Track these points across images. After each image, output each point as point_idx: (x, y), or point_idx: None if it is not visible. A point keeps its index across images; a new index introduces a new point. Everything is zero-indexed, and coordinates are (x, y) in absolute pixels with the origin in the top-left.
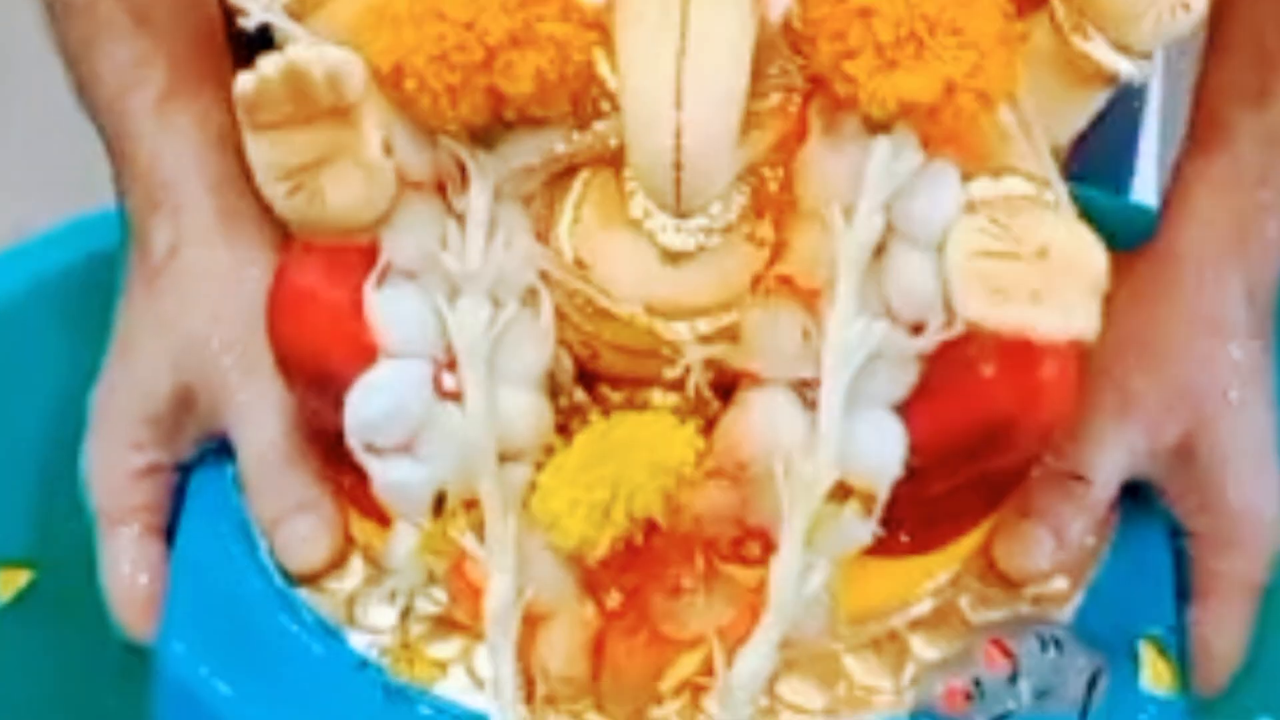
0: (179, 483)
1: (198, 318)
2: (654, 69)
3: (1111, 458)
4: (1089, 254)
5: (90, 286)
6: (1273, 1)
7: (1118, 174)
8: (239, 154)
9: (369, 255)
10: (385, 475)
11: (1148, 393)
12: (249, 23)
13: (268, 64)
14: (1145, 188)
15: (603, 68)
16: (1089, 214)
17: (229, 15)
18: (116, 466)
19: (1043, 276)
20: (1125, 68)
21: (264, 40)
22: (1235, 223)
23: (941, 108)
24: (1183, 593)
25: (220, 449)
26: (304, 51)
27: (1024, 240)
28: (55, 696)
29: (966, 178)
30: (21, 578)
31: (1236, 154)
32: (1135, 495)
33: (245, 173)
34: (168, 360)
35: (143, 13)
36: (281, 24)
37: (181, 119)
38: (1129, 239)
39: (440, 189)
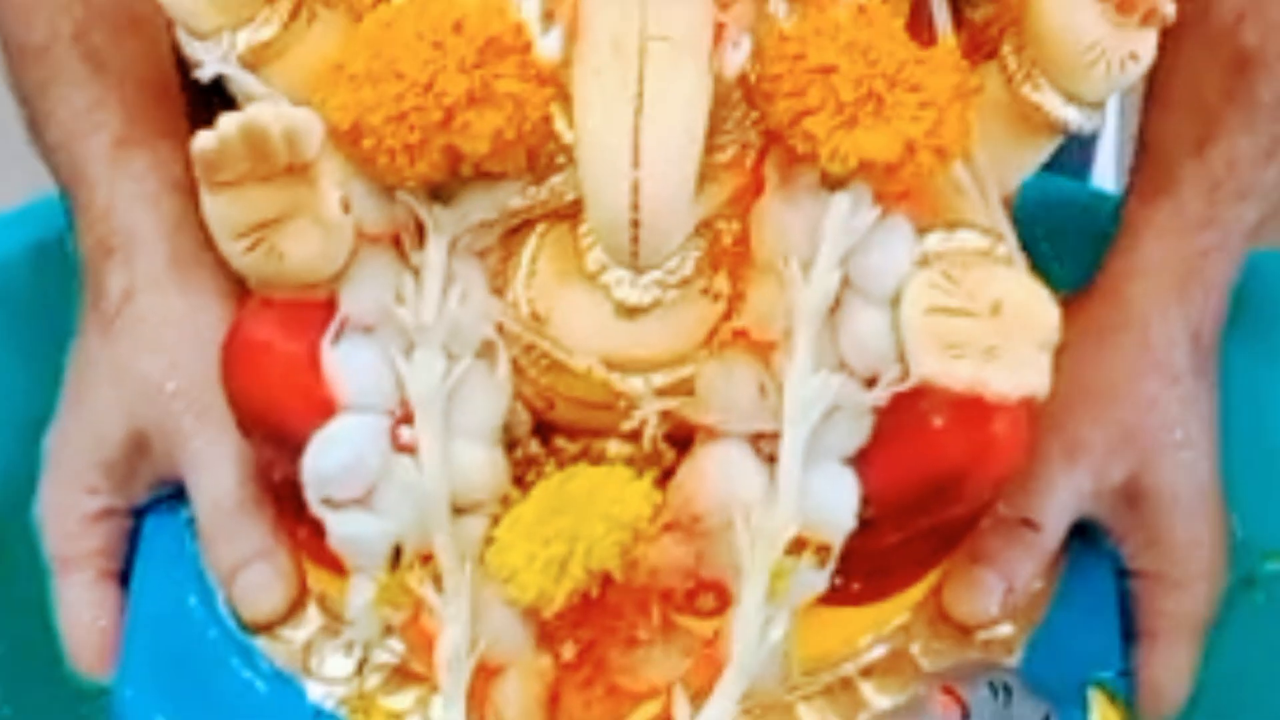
0: (133, 526)
1: (153, 364)
2: (611, 127)
3: (1059, 502)
4: (1041, 310)
5: (44, 269)
6: (1209, 52)
7: (1077, 161)
8: (194, 199)
9: (326, 309)
10: (342, 528)
11: (1094, 436)
12: (204, 73)
13: (226, 122)
14: (1104, 174)
15: (559, 123)
16: (1050, 201)
17: (185, 63)
18: (70, 511)
19: (996, 333)
20: (1075, 118)
21: (220, 88)
22: (1179, 267)
23: (901, 165)
24: (1128, 633)
25: (174, 492)
26: (263, 110)
27: (977, 296)
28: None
29: (920, 231)
30: None
31: (1179, 201)
32: (1080, 534)
33: (200, 219)
34: (122, 406)
35: (98, 58)
36: (236, 76)
37: (136, 164)
38: (1089, 224)
39: (397, 242)
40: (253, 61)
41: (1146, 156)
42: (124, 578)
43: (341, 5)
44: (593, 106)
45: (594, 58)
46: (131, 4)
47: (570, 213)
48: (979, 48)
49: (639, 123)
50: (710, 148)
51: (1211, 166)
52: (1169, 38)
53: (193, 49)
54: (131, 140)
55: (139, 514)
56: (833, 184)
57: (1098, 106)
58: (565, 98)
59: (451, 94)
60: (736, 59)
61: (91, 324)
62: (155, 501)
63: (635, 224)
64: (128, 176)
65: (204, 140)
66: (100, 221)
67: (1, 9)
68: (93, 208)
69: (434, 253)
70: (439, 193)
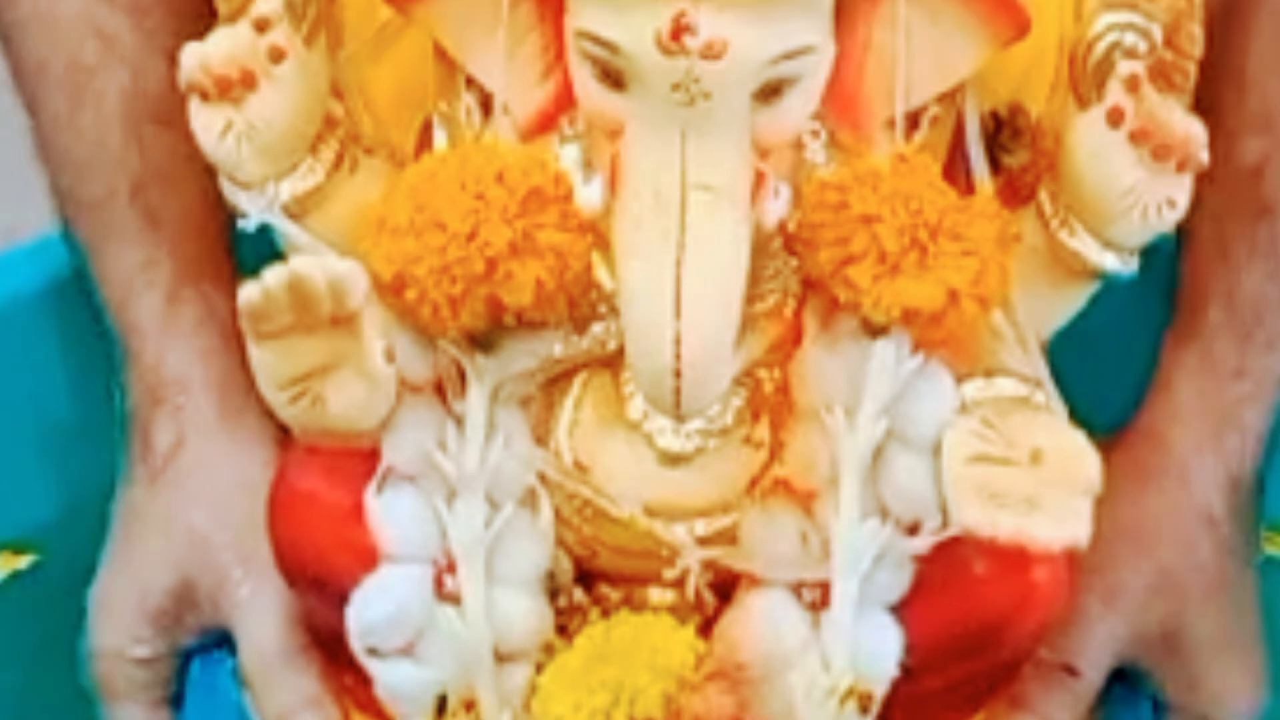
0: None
1: (201, 516)
2: (653, 278)
3: (1100, 647)
4: (1081, 459)
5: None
6: (1231, 201)
7: None
8: (241, 350)
9: (370, 458)
10: (387, 677)
11: (1133, 581)
12: (248, 223)
13: (271, 275)
14: None
15: (600, 272)
16: None
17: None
18: (119, 656)
19: (1037, 483)
20: (1111, 263)
21: None
22: (1214, 415)
23: (945, 314)
24: None
25: (220, 637)
26: (307, 262)
27: (1017, 444)
28: (42, 679)
29: (959, 378)
30: (22, 561)
31: (1211, 349)
32: (1120, 675)
33: (247, 369)
34: (169, 557)
35: (154, 215)
36: (280, 225)
37: (187, 318)
38: None
39: (440, 390)
40: (296, 210)
41: (1181, 301)
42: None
43: (383, 152)
44: (634, 257)
45: (635, 208)
46: (186, 153)
47: (612, 361)
48: (1016, 193)
49: (680, 274)
50: (750, 297)
51: (1241, 317)
52: (1194, 183)
53: (237, 198)
54: (183, 295)
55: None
56: (874, 331)
57: (1134, 251)
58: (606, 246)
59: (494, 245)
60: (776, 208)
61: (139, 475)
62: (200, 644)
63: (677, 374)
64: (179, 331)
65: (249, 292)
66: (151, 372)
67: (58, 161)
68: (144, 358)
69: (476, 402)
70: (481, 341)
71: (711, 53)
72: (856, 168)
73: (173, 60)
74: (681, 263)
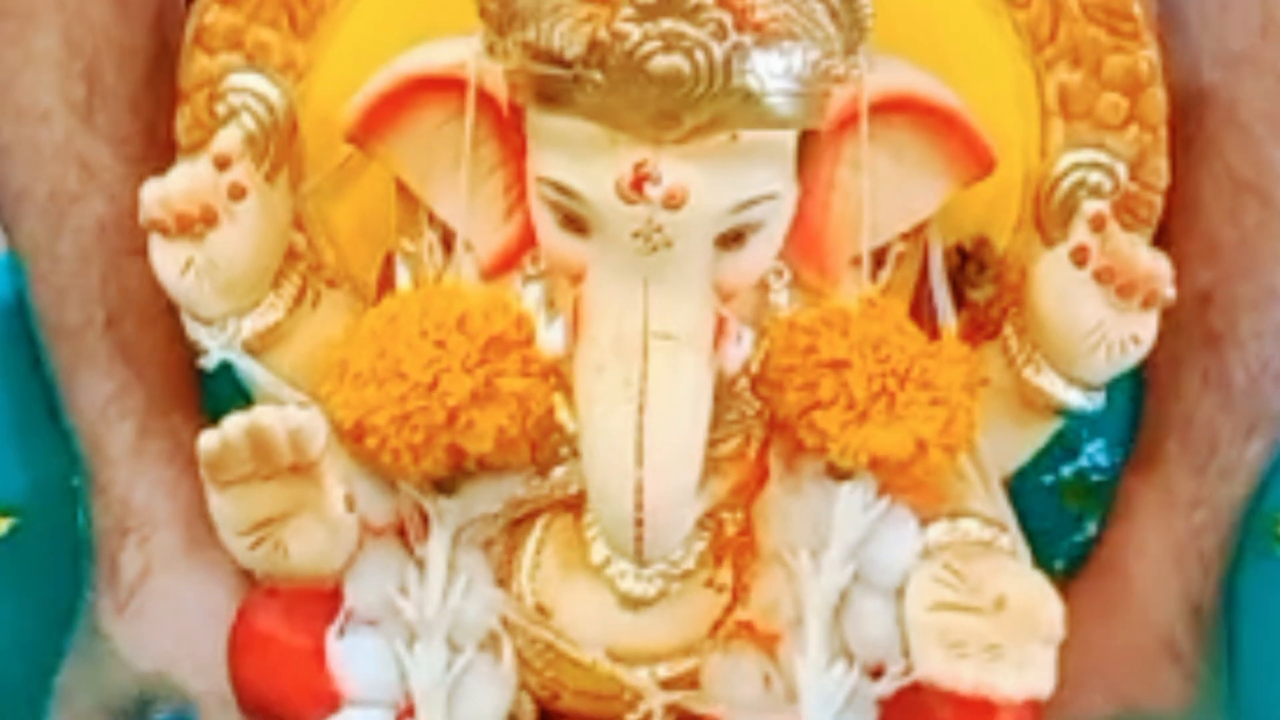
0: None
1: (165, 646)
2: (614, 427)
3: None
4: (1044, 606)
5: None
6: (1181, 334)
7: None
8: None
9: (332, 599)
10: None
11: (1099, 714)
12: (208, 361)
13: (231, 424)
14: None
15: (563, 413)
16: None
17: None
18: None
19: (1000, 631)
20: (1076, 400)
21: None
22: (1174, 546)
23: (912, 463)
24: None
25: None
26: (267, 412)
27: (981, 591)
28: (20, 640)
29: (923, 521)
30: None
31: (1169, 480)
32: None
33: None
34: (134, 679)
35: (128, 348)
36: (241, 364)
37: (156, 451)
38: None
39: (402, 532)
40: (258, 346)
41: (1141, 435)
42: None
43: (346, 284)
44: (595, 405)
45: (596, 354)
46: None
47: (574, 504)
48: (981, 327)
49: (642, 421)
50: (712, 440)
51: (1195, 448)
52: None
53: (198, 334)
54: (153, 428)
55: None
56: (839, 475)
57: (1098, 388)
58: (569, 388)
59: (455, 395)
60: (739, 354)
61: (106, 601)
62: None
63: (639, 523)
64: (148, 463)
65: (209, 441)
66: (119, 503)
67: (38, 286)
68: (112, 489)
69: (436, 545)
70: (443, 484)
71: (673, 201)
72: (825, 310)
73: None
74: (643, 410)
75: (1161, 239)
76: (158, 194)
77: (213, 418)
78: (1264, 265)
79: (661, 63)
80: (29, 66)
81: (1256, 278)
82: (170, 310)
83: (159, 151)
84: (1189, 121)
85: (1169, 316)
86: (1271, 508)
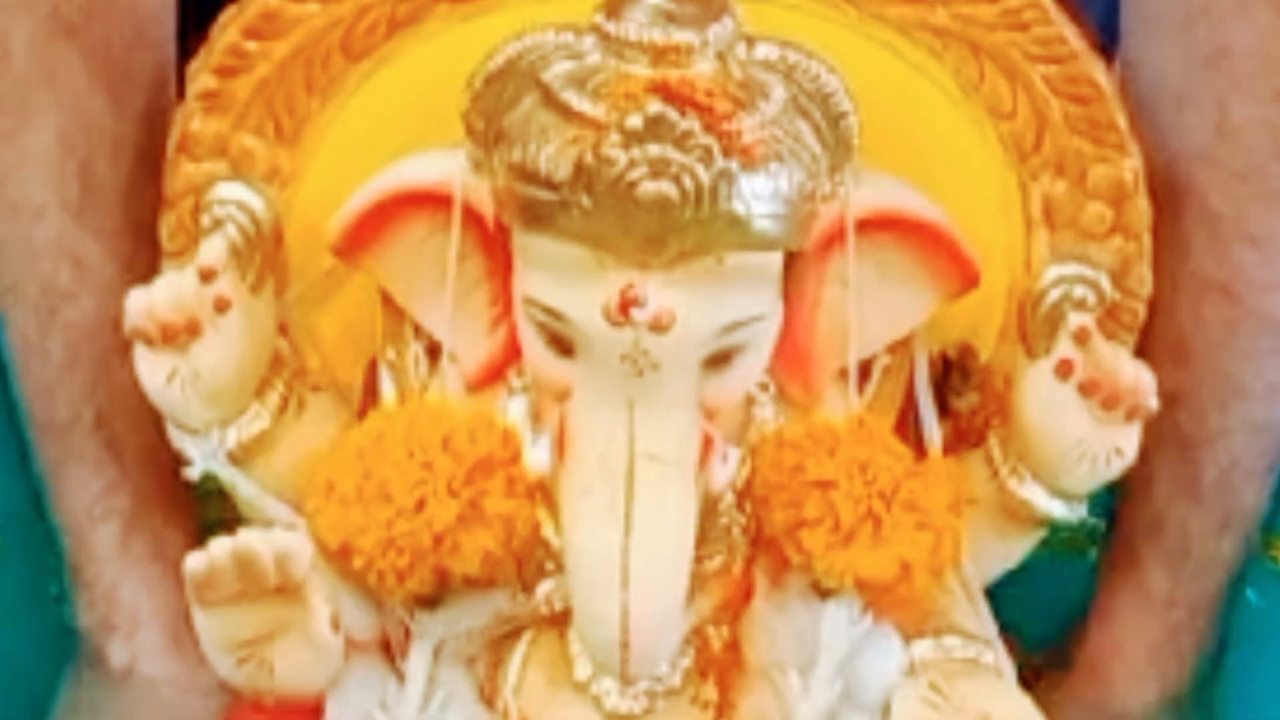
0: None
1: None
2: (599, 549)
3: None
4: None
5: None
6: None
7: None
8: None
9: (314, 714)
10: None
11: None
12: (193, 472)
13: (217, 547)
14: None
15: (548, 530)
16: None
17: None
18: None
19: None
20: (1060, 511)
21: None
22: (1151, 645)
23: (897, 584)
24: None
25: None
26: (253, 535)
27: (965, 709)
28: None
29: (908, 637)
30: None
31: (1144, 579)
32: None
33: None
34: None
35: (116, 445)
36: (225, 475)
37: (141, 550)
38: None
39: (386, 646)
40: (242, 456)
41: (1117, 535)
42: None
43: (331, 389)
44: (581, 527)
45: (582, 475)
46: None
47: (560, 620)
48: (965, 437)
49: (627, 544)
50: (698, 556)
51: (1169, 548)
52: None
53: (183, 444)
54: (139, 526)
55: None
56: (825, 592)
57: (1082, 499)
58: (554, 504)
59: (441, 519)
60: (724, 473)
61: (91, 693)
62: None
63: (625, 645)
64: (133, 562)
65: (195, 562)
66: (104, 600)
67: (27, 381)
68: (98, 586)
69: (417, 660)
70: (426, 599)
71: (660, 325)
72: (813, 427)
73: None
74: (629, 533)
75: None
76: (142, 304)
77: (199, 518)
78: (1231, 363)
79: (649, 189)
80: (23, 163)
81: (1224, 376)
82: (159, 410)
83: (151, 249)
84: (1156, 220)
85: None
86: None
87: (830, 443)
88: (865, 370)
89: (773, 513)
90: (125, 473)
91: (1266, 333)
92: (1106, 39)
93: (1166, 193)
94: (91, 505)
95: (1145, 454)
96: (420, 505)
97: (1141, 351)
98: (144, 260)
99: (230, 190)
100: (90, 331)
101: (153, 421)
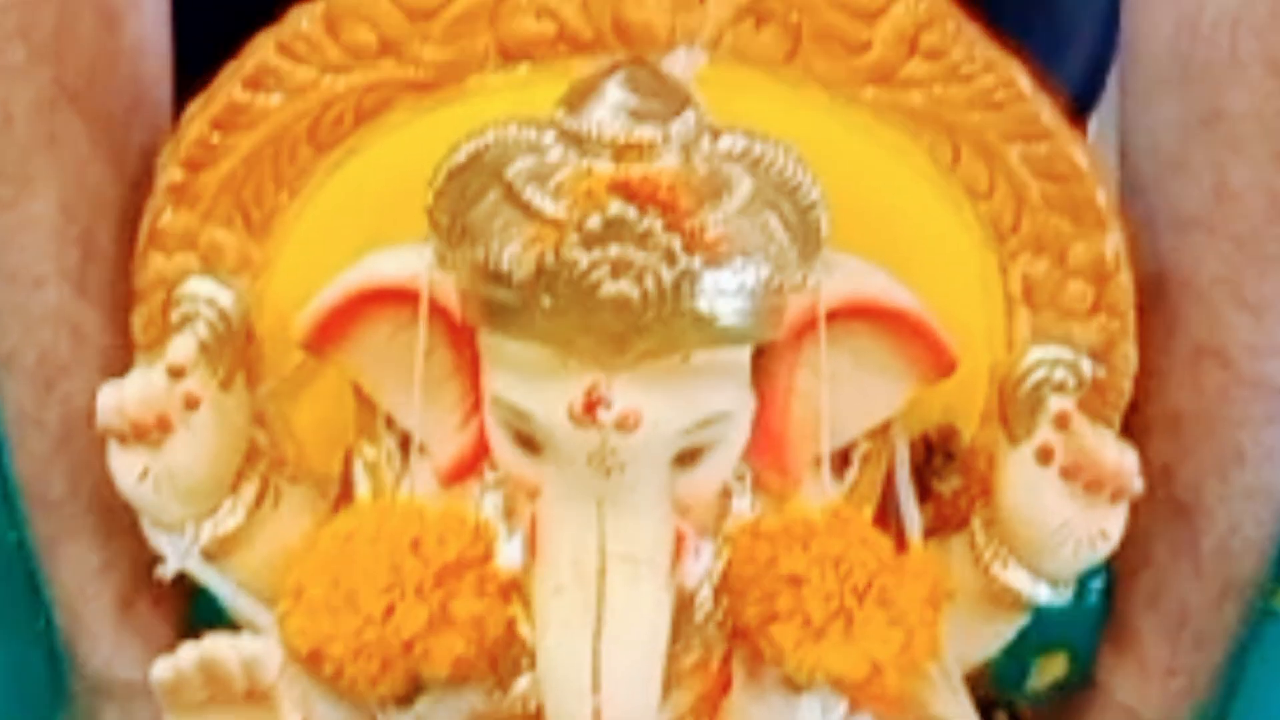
0: None
1: None
2: (571, 650)
3: None
4: None
5: None
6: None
7: None
8: None
9: None
10: None
11: None
12: (166, 570)
13: (185, 653)
14: None
15: (524, 628)
16: None
17: None
18: None
19: None
20: (1044, 594)
21: None
22: (1150, 715)
23: (868, 683)
24: None
25: None
26: (220, 642)
27: None
28: None
29: None
30: None
31: (1143, 652)
32: None
33: None
34: None
35: (111, 518)
36: (199, 573)
37: (137, 625)
38: None
39: None
40: (218, 552)
41: (1115, 611)
42: None
43: (308, 479)
44: (552, 629)
45: (554, 577)
46: None
47: (537, 717)
48: (947, 520)
49: (599, 646)
50: (673, 653)
51: (1168, 617)
52: None
53: (157, 541)
54: (135, 599)
55: None
56: (799, 686)
57: (1067, 583)
58: (528, 600)
59: (410, 625)
60: (698, 569)
61: None
62: None
63: None
64: (129, 637)
65: (161, 670)
66: (99, 675)
67: (21, 455)
68: (94, 659)
69: None
70: (401, 698)
71: (626, 425)
72: (788, 520)
73: None
74: (600, 635)
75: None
76: (113, 402)
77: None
78: (1227, 430)
79: (610, 289)
80: (24, 231)
81: (1220, 443)
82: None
83: None
84: (1146, 288)
85: None
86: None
87: (804, 535)
88: (844, 458)
89: (746, 606)
90: (121, 549)
91: (1263, 399)
92: (1085, 101)
93: (1162, 259)
94: (86, 581)
95: (1142, 522)
96: (389, 611)
97: (1137, 419)
98: None
99: (199, 286)
100: (88, 405)
101: None
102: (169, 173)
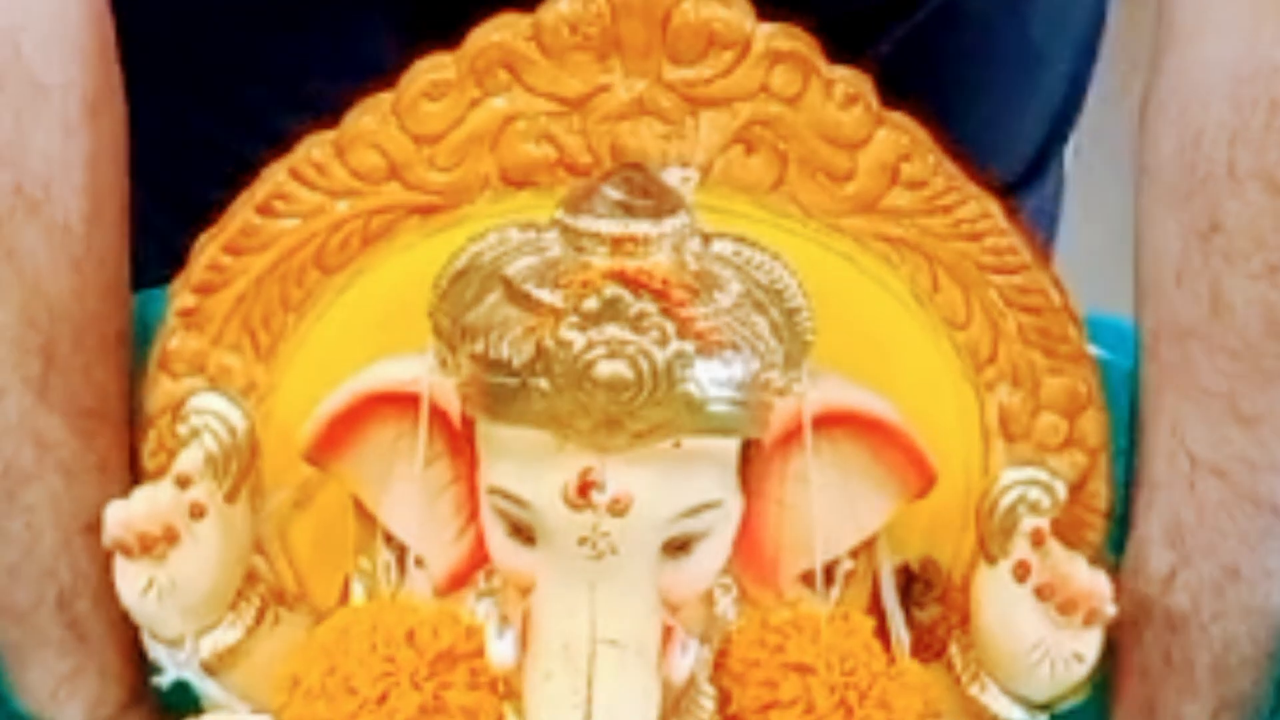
0: None
1: None
2: None
3: None
4: None
5: None
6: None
7: None
8: None
9: None
10: None
11: None
12: (164, 680)
13: None
14: None
15: None
16: None
17: None
18: None
19: None
20: (1015, 716)
21: None
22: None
23: None
24: None
25: None
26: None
27: None
28: None
29: None
30: None
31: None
32: None
33: None
34: None
35: (80, 628)
36: (197, 683)
37: None
38: None
39: None
40: (216, 666)
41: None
42: None
43: (304, 607)
44: (542, 713)
45: (544, 661)
46: None
47: None
48: (928, 648)
49: None
50: None
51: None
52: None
53: (156, 653)
54: (107, 713)
55: None
56: None
57: (1044, 708)
58: (519, 696)
59: (403, 711)
60: (684, 664)
61: None
62: None
63: None
64: None
65: None
66: None
67: None
68: None
69: None
70: None
71: (617, 508)
72: (798, 614)
73: (105, 468)
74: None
75: (1124, 519)
76: (121, 516)
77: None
78: (1225, 545)
79: (605, 369)
80: None
81: (1218, 558)
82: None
83: (110, 429)
84: (1146, 397)
85: (1130, 596)
86: None
87: (813, 630)
88: (828, 575)
89: (746, 689)
90: (90, 654)
91: (1262, 515)
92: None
93: (1164, 370)
94: (56, 688)
95: (1138, 635)
96: (383, 698)
97: (1138, 530)
98: (104, 439)
99: (207, 401)
100: (52, 514)
101: (117, 601)
102: (181, 297)
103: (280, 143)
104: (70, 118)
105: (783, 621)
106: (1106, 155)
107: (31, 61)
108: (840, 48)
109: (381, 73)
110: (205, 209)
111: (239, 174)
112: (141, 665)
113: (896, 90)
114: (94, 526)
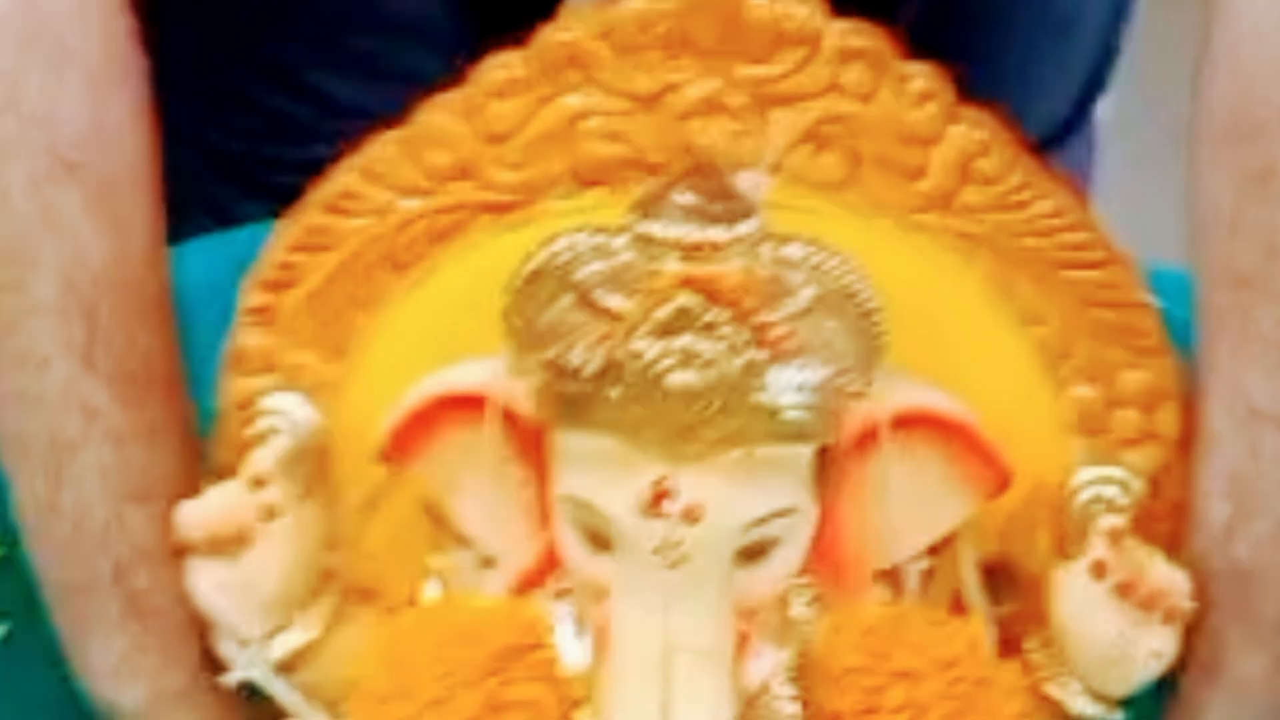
0: None
1: None
2: None
3: None
4: None
5: None
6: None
7: None
8: None
9: None
10: None
11: None
12: (232, 678)
13: None
14: None
15: None
16: None
17: None
18: None
19: None
20: (1092, 712)
21: None
22: None
23: None
24: None
25: None
26: None
27: None
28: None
29: None
30: None
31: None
32: None
33: None
34: None
35: (138, 603)
36: (267, 683)
37: (171, 709)
38: None
39: None
40: (288, 665)
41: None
42: None
43: (377, 605)
44: (618, 719)
45: (620, 669)
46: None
47: None
48: (1005, 644)
49: None
50: None
51: (1226, 687)
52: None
53: (228, 651)
54: (169, 690)
55: None
56: None
57: (1120, 702)
58: (595, 703)
59: (467, 710)
60: (759, 669)
61: None
62: None
63: None
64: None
65: None
66: None
67: (38, 543)
68: None
69: None
70: None
71: (691, 517)
72: (894, 616)
73: (153, 435)
74: None
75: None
76: (193, 516)
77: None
78: None
79: (677, 379)
80: (29, 313)
81: (1278, 510)
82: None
83: (158, 391)
84: (1203, 347)
85: (1189, 548)
86: None
87: (916, 634)
88: (905, 575)
89: (845, 694)
90: (150, 629)
91: None
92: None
93: (1213, 317)
94: (117, 667)
95: (1200, 588)
96: (446, 697)
97: (1196, 483)
98: (152, 405)
99: (280, 400)
100: (102, 482)
101: (176, 571)
102: (251, 295)
103: (312, 98)
104: (100, 79)
105: (884, 624)
106: (1146, 102)
107: (57, 22)
108: (868, 9)
109: (413, 31)
110: (237, 163)
111: (271, 128)
112: (203, 637)
113: (926, 51)
114: (145, 495)
